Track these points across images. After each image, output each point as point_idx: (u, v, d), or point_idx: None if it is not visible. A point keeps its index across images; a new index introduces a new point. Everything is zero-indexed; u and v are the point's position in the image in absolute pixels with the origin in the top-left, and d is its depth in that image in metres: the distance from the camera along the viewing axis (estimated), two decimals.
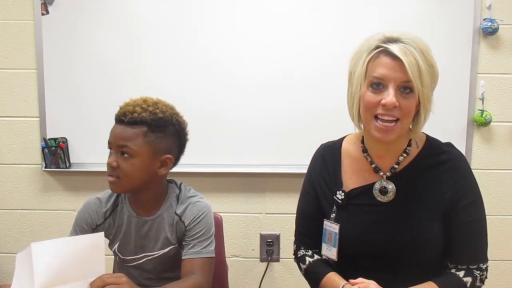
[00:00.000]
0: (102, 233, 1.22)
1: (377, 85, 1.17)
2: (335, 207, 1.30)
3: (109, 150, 1.34)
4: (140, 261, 1.42)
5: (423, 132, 1.31)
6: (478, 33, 2.11)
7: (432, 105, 1.21)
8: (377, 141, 1.23)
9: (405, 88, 1.16)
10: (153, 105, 1.34)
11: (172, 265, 1.41)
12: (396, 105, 1.14)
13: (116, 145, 1.31)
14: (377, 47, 1.18)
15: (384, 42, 1.17)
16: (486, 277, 1.26)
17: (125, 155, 1.30)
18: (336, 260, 1.29)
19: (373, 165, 1.28)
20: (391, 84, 1.15)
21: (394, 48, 1.15)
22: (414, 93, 1.15)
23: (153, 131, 1.32)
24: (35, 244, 1.13)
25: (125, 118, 1.31)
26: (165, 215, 1.40)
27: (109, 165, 1.31)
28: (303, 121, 2.14)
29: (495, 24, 2.08)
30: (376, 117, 1.18)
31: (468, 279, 1.22)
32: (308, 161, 1.42)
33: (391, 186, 1.26)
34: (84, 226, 1.41)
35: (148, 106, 1.33)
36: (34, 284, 1.13)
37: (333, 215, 1.30)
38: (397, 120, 1.17)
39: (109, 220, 1.42)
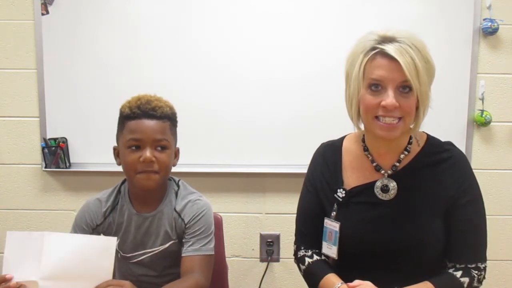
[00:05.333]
0: (115, 238, 1.23)
1: (376, 87, 1.18)
2: (335, 206, 1.30)
3: (133, 148, 1.33)
4: (141, 258, 1.43)
5: (423, 131, 1.32)
6: (478, 33, 2.11)
7: (431, 101, 1.21)
8: (380, 139, 1.23)
9: (404, 87, 1.16)
10: (166, 101, 1.40)
11: (173, 261, 1.42)
12: (396, 106, 1.15)
13: (153, 139, 1.33)
14: (373, 48, 1.18)
15: (379, 42, 1.17)
16: (484, 277, 1.26)
17: (160, 148, 1.34)
18: (336, 258, 1.29)
19: (374, 164, 1.29)
20: (390, 85, 1.16)
21: (390, 48, 1.15)
22: (413, 91, 1.16)
23: (173, 124, 1.41)
24: (48, 234, 1.15)
25: (156, 112, 1.34)
26: (165, 211, 1.42)
27: (147, 160, 1.31)
28: (303, 121, 2.14)
29: (495, 24, 2.08)
30: (377, 118, 1.18)
31: (465, 279, 1.22)
32: (308, 161, 1.42)
33: (392, 184, 1.26)
34: (83, 227, 1.42)
35: (165, 102, 1.40)
36: (39, 272, 1.13)
37: (333, 214, 1.30)
38: (399, 118, 1.17)
39: (109, 219, 1.43)
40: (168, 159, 1.36)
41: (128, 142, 1.34)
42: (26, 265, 1.16)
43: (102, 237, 1.37)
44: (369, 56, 1.18)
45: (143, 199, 1.42)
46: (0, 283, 1.13)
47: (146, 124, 1.33)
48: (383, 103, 1.15)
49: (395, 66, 1.14)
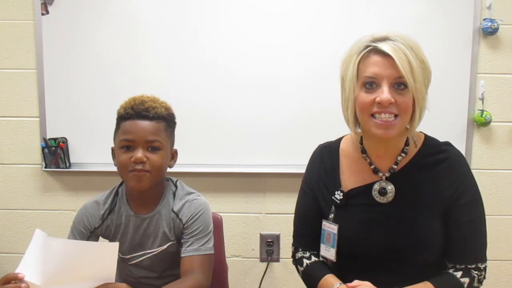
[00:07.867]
0: (117, 244, 1.22)
1: (370, 85, 1.17)
2: (333, 208, 1.30)
3: (125, 148, 1.33)
4: (140, 259, 1.43)
5: (421, 132, 1.31)
6: (478, 33, 2.11)
7: (427, 103, 1.21)
8: (378, 139, 1.23)
9: (399, 84, 1.16)
10: (162, 102, 1.40)
11: (172, 263, 1.42)
12: (391, 101, 1.14)
13: (145, 140, 1.33)
14: (366, 47, 1.18)
15: (373, 41, 1.18)
16: (484, 278, 1.25)
17: (152, 149, 1.33)
18: (334, 261, 1.29)
19: (372, 166, 1.28)
20: (384, 81, 1.15)
21: (383, 46, 1.15)
22: (408, 89, 1.15)
23: (169, 125, 1.40)
24: (49, 239, 1.16)
25: (149, 113, 1.34)
26: (163, 212, 1.41)
27: (138, 160, 1.31)
28: (303, 121, 2.14)
29: (495, 24, 2.08)
30: (373, 116, 1.18)
31: (466, 280, 1.22)
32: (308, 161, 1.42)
33: (390, 187, 1.25)
34: (82, 230, 1.42)
35: (161, 103, 1.39)
36: (41, 277, 1.13)
37: (331, 216, 1.29)
38: (396, 116, 1.17)
39: (107, 221, 1.43)
40: (160, 160, 1.34)
41: (121, 143, 1.34)
42: (33, 268, 1.15)
43: (104, 243, 1.37)
44: (362, 54, 1.18)
45: (140, 200, 1.41)
46: (10, 280, 1.12)
47: (139, 125, 1.33)
48: (377, 99, 1.15)
49: (389, 62, 1.14)
